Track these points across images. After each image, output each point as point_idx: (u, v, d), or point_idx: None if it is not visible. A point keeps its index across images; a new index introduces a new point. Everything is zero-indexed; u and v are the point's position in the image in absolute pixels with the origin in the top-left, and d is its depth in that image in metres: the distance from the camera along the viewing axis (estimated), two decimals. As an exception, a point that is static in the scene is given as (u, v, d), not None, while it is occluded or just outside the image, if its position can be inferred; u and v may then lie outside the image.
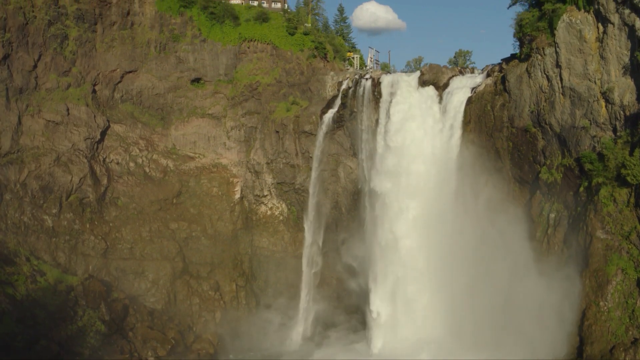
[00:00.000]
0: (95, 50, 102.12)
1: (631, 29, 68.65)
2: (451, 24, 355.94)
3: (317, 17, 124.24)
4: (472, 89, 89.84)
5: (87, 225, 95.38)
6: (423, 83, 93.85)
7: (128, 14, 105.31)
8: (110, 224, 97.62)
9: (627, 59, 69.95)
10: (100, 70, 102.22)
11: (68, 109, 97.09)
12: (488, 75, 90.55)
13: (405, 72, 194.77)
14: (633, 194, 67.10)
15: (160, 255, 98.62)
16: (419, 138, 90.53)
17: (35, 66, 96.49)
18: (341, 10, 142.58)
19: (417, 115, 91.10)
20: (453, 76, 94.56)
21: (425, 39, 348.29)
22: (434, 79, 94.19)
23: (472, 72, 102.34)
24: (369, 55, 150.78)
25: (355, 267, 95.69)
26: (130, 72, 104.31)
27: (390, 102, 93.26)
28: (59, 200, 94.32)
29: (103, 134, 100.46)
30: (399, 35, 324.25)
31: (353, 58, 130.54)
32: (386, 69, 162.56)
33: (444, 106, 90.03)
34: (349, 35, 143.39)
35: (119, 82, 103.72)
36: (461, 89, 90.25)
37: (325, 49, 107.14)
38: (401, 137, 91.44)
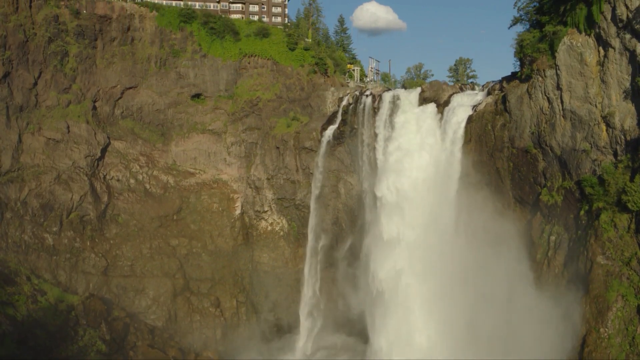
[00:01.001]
0: (95, 67, 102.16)
1: (632, 53, 68.53)
2: (452, 24, 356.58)
3: (317, 32, 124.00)
4: (473, 107, 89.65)
5: (88, 243, 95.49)
6: (424, 100, 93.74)
7: (128, 29, 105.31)
8: (111, 241, 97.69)
9: (627, 84, 69.80)
10: (100, 86, 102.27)
11: (68, 127, 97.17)
12: (489, 93, 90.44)
13: (406, 79, 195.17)
14: (634, 220, 67.00)
15: (161, 272, 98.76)
16: (419, 156, 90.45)
17: (35, 84, 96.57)
18: (341, 21, 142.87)
19: (417, 133, 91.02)
20: (454, 93, 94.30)
21: (426, 39, 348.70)
22: (435, 96, 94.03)
23: (473, 88, 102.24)
24: (370, 66, 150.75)
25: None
26: (130, 88, 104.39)
27: (391, 120, 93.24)
28: (59, 218, 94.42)
29: (103, 151, 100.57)
30: (400, 36, 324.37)
31: (353, 70, 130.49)
32: (386, 79, 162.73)
33: (444, 124, 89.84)
34: (349, 47, 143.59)
35: (120, 98, 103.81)
36: (462, 107, 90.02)
37: (325, 64, 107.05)
38: (401, 155, 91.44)
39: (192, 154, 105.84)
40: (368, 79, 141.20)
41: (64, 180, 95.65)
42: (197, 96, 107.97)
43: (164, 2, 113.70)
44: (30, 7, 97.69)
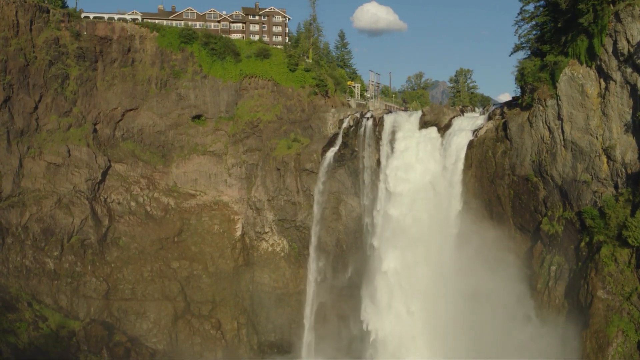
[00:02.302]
0: (96, 89, 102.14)
1: (633, 87, 68.52)
2: (452, 25, 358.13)
3: (318, 50, 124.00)
4: (474, 131, 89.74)
5: (89, 267, 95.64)
6: (424, 124, 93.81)
7: (129, 50, 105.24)
8: (112, 265, 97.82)
9: (629, 117, 69.79)
10: (101, 109, 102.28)
11: (69, 150, 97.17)
12: (489, 118, 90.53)
13: (407, 88, 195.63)
14: (634, 254, 67.03)
15: (162, 295, 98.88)
16: (420, 180, 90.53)
17: (36, 107, 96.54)
18: (342, 36, 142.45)
19: (418, 158, 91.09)
20: (454, 117, 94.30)
21: (427, 39, 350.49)
22: (435, 120, 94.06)
23: (473, 110, 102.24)
24: (370, 79, 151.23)
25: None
26: (131, 110, 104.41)
27: (392, 144, 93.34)
28: (60, 243, 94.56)
29: (104, 174, 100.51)
30: (400, 36, 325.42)
31: (354, 87, 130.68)
32: (387, 92, 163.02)
33: (445, 149, 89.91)
34: (350, 61, 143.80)
35: (120, 120, 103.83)
36: (462, 131, 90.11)
37: (326, 85, 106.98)
38: (402, 181, 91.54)
39: (192, 176, 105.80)
40: (368, 94, 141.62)
41: (65, 204, 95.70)
42: (197, 117, 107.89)
43: (165, 22, 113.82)
44: (31, 30, 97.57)
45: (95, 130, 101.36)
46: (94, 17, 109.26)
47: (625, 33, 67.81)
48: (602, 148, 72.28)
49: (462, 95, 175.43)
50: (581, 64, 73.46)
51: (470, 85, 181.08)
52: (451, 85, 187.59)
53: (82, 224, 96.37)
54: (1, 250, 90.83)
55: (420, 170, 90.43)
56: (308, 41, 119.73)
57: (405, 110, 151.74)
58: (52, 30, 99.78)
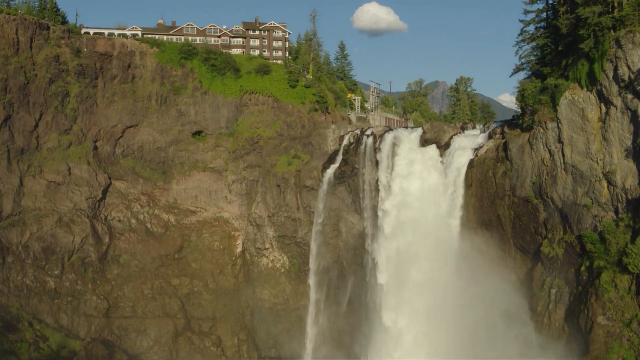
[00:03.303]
0: (96, 106, 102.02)
1: (634, 114, 68.56)
2: (453, 25, 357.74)
3: (318, 62, 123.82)
4: (474, 150, 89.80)
5: (89, 285, 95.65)
6: (425, 142, 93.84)
7: (129, 66, 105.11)
8: (112, 283, 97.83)
9: (629, 142, 69.84)
10: (101, 126, 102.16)
11: (69, 168, 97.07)
12: (490, 137, 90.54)
13: (407, 95, 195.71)
14: (634, 281, 67.17)
15: (162, 313, 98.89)
16: (421, 200, 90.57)
17: (36, 126, 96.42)
18: (342, 47, 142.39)
19: (419, 177, 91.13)
20: (455, 134, 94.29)
21: (427, 39, 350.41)
22: (436, 138, 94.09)
23: (474, 127, 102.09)
24: (370, 90, 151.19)
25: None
26: (131, 126, 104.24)
27: (392, 162, 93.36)
28: (60, 261, 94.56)
29: (104, 191, 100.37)
30: (400, 37, 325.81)
31: (354, 100, 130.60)
32: (386, 102, 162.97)
33: (445, 168, 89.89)
34: (350, 73, 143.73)
35: (120, 137, 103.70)
36: (463, 149, 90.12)
37: (326, 102, 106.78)
38: (402, 199, 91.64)
39: (193, 192, 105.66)
40: (369, 105, 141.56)
41: (65, 223, 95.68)
42: (197, 133, 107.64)
43: (165, 38, 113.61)
44: (31, 47, 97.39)
45: (95, 148, 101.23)
46: (94, 33, 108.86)
47: (626, 59, 67.87)
48: (602, 172, 72.34)
49: (463, 103, 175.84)
50: (582, 88, 73.51)
51: (471, 93, 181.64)
52: (452, 94, 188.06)
53: (83, 242, 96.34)
54: (2, 270, 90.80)
55: (420, 188, 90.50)
56: (308, 56, 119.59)
57: (406, 121, 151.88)
58: (52, 47, 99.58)
